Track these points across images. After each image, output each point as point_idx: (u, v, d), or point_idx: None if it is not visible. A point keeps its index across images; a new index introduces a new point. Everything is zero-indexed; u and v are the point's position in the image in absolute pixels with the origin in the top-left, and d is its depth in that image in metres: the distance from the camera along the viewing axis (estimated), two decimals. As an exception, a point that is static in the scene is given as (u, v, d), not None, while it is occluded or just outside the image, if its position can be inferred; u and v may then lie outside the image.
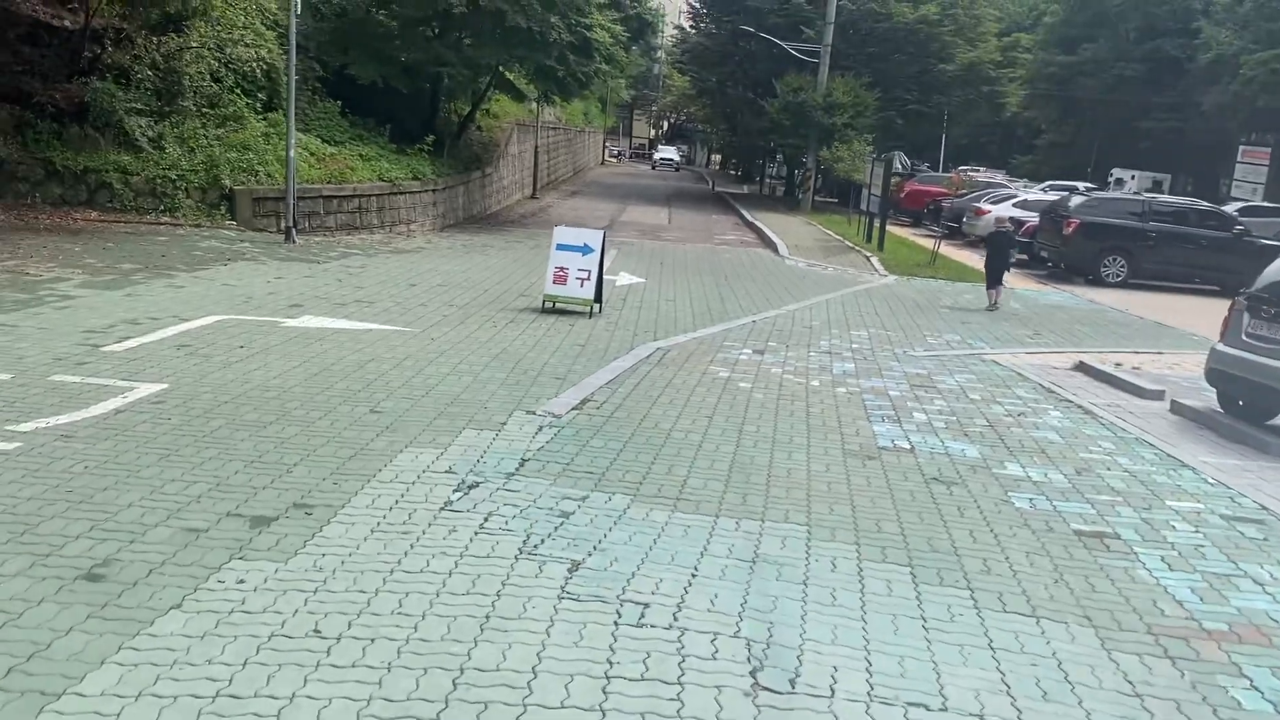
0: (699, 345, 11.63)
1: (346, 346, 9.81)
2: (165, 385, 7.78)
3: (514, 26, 22.97)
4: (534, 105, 35.79)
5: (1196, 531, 6.19)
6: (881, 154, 33.52)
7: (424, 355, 9.70)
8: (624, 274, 18.01)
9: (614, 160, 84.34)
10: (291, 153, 17.61)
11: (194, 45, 19.49)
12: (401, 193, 21.78)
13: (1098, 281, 22.00)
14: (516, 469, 6.34)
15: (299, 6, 17.55)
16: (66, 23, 19.57)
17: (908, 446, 7.71)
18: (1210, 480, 7.34)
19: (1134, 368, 11.87)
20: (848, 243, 26.65)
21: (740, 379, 9.84)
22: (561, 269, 13.11)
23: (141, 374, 8.09)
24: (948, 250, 25.90)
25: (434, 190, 23.50)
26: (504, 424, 7.41)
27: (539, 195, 36.97)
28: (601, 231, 13.33)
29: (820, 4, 38.13)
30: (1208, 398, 9.84)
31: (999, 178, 44.36)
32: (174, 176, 17.88)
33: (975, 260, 25.32)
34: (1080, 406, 9.62)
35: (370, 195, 20.75)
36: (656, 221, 31.60)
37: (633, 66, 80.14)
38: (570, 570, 4.77)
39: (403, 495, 5.68)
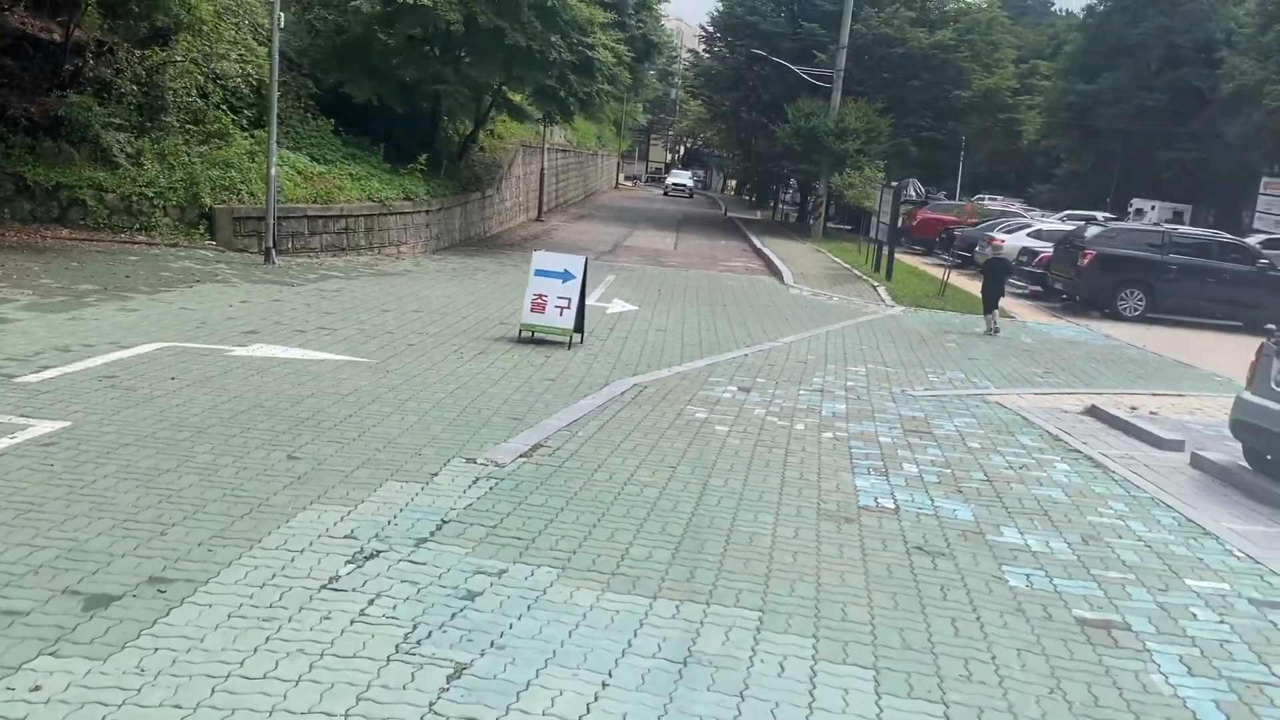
0: (681, 381, 10.79)
1: (289, 380, 9.02)
2: (67, 424, 7.00)
3: (513, 45, 22.33)
4: (541, 127, 35.16)
5: (1221, 622, 5.29)
6: (896, 181, 32.71)
7: (372, 390, 8.90)
8: (617, 301, 17.21)
9: (629, 184, 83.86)
10: (273, 170, 16.92)
11: (178, 59, 18.87)
12: (392, 213, 21.09)
13: (1114, 316, 21.07)
14: (431, 533, 5.51)
15: (283, 20, 16.91)
16: (56, 36, 18.98)
17: (892, 506, 6.83)
18: (1237, 553, 6.44)
19: (1151, 412, 10.96)
20: (856, 271, 25.82)
21: (718, 421, 9.00)
22: (540, 296, 12.32)
23: (46, 410, 7.31)
24: (958, 281, 25.04)
25: (427, 211, 22.80)
26: (435, 475, 6.58)
27: (544, 218, 36.31)
28: (583, 257, 12.55)
29: (834, 29, 37.46)
30: (1232, 450, 8.94)
31: (1016, 206, 43.56)
32: (151, 194, 17.21)
33: (987, 291, 24.48)
34: (1090, 458, 8.73)
35: (358, 216, 20.05)
36: (662, 246, 30.86)
37: (649, 90, 79.86)
38: (451, 677, 3.92)
39: (283, 568, 4.85)
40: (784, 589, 5.21)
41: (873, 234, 26.93)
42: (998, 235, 28.52)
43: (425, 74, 22.69)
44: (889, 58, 39.02)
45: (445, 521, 5.70)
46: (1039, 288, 24.02)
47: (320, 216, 19.13)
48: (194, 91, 19.07)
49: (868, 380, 11.89)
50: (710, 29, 47.79)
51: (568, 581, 5.03)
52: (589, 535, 5.73)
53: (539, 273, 12.39)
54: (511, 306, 14.81)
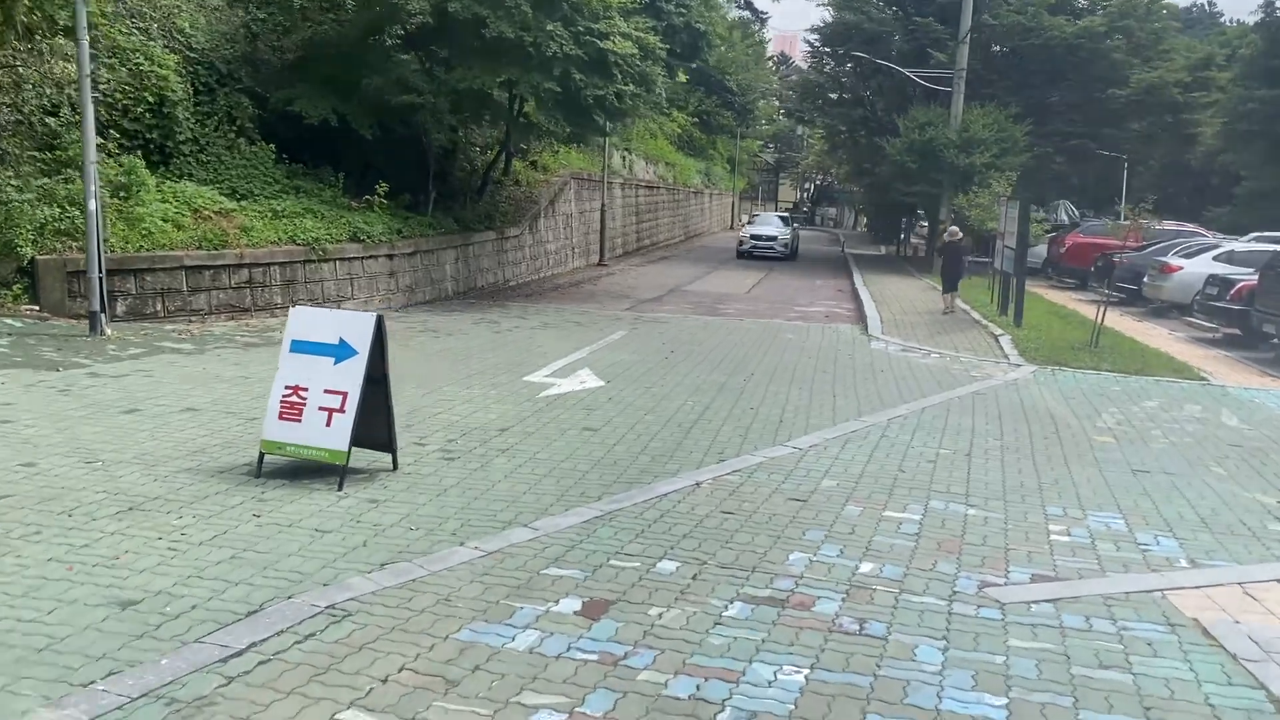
0: (480, 577, 4.93)
1: None
2: None
3: (498, 38, 17.07)
4: (611, 155, 29.95)
5: None
6: (1043, 205, 25.99)
7: None
8: (583, 373, 11.50)
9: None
10: (91, 203, 11.96)
11: (14, 65, 14.21)
12: (328, 259, 15.90)
13: (1365, 370, 14.07)
14: None
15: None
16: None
17: None
18: None
19: None
20: (975, 314, 19.24)
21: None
22: (294, 390, 6.66)
23: None
24: (1121, 322, 18.29)
25: (390, 256, 17.53)
26: None
27: (608, 262, 30.78)
28: (374, 315, 6.78)
29: (953, 24, 30.98)
30: None
31: (1190, 229, 35.72)
32: (-59, 244, 12.46)
33: (1161, 338, 17.53)
34: None
35: (268, 264, 14.91)
36: (732, 290, 24.86)
37: (768, 127, 73.91)
38: None
39: None
40: None
41: (996, 263, 20.27)
42: (1173, 260, 21.54)
43: (386, 81, 17.56)
44: (1023, 53, 32.17)
45: None
46: (1237, 330, 17.02)
47: (207, 267, 14.07)
48: (66, 108, 14.38)
49: (914, 549, 5.73)
50: (815, 41, 41.60)
51: None
52: None
53: (296, 346, 6.75)
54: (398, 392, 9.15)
